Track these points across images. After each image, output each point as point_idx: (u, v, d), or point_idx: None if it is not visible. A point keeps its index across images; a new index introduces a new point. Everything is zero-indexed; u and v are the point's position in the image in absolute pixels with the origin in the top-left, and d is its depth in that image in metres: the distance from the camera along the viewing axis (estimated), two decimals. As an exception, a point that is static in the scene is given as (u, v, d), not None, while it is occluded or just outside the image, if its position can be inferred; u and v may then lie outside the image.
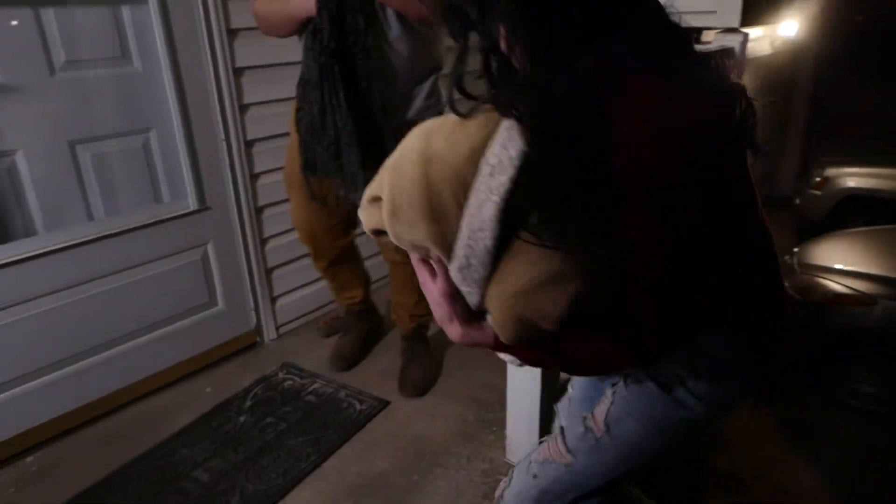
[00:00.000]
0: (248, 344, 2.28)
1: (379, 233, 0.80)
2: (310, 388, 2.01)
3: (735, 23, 1.84)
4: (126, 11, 1.81)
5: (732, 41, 1.82)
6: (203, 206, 2.02)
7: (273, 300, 2.30)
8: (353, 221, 1.90)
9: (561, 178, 0.68)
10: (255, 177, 2.13)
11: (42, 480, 1.68)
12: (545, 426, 1.60)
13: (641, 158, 0.66)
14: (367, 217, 0.81)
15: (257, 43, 1.96)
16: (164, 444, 1.79)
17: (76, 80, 1.75)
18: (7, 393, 1.71)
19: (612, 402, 0.93)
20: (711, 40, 1.88)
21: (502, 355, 0.84)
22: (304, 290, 2.41)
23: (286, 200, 2.23)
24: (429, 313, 2.01)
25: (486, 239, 0.71)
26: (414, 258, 0.80)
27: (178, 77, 1.88)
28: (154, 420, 1.90)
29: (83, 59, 1.75)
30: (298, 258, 2.34)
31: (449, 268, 0.75)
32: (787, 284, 2.00)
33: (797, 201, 3.09)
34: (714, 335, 0.86)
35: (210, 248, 2.08)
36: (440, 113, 1.70)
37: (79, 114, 1.77)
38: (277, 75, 2.06)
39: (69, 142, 1.77)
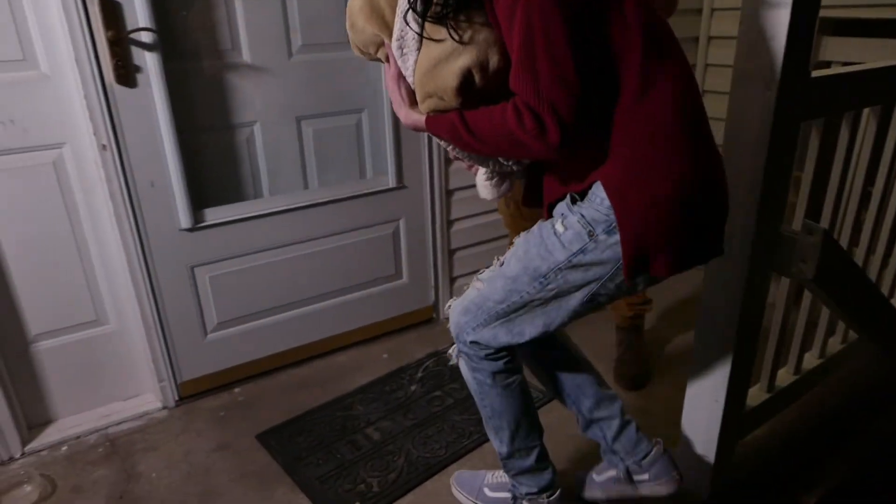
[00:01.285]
0: (425, 319, 2.40)
1: (363, 52, 1.14)
2: (477, 370, 2.06)
3: None
4: (355, 1, 1.97)
5: None
6: (400, 185, 2.16)
7: (452, 280, 2.40)
8: None
9: None
10: (448, 161, 2.23)
11: (245, 410, 1.94)
12: (724, 451, 1.48)
13: None
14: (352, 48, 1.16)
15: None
16: (343, 398, 1.96)
17: (308, 62, 1.96)
18: (225, 331, 2.00)
19: (513, 246, 1.15)
20: None
21: (480, 186, 1.17)
22: (482, 274, 2.47)
23: (474, 186, 2.31)
24: (646, 303, 1.98)
25: (411, 30, 0.99)
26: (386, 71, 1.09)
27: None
28: (337, 375, 2.10)
29: (315, 44, 1.95)
30: (479, 243, 2.40)
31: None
32: None
33: None
34: (599, 185, 0.98)
35: (402, 223, 2.22)
36: None
37: (306, 92, 1.98)
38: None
39: (296, 117, 1.99)
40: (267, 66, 1.89)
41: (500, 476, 1.48)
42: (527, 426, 1.31)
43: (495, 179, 1.17)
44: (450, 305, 1.27)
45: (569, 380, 1.37)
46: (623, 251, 0.99)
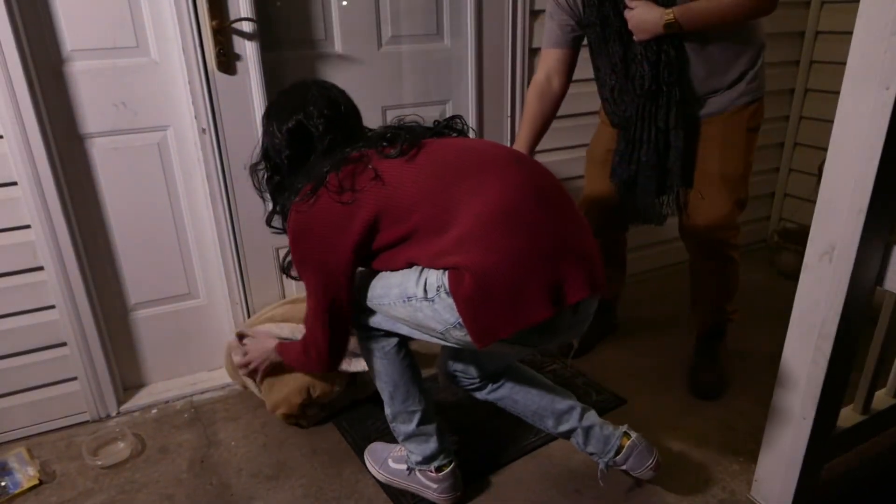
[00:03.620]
0: (497, 313, 2.39)
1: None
2: (548, 367, 2.04)
3: None
4: (447, -7, 1.99)
5: None
6: (480, 178, 2.16)
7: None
8: (625, 223, 2.00)
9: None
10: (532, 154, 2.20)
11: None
12: (808, 473, 1.40)
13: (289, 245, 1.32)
14: None
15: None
16: (413, 385, 1.99)
17: (396, 53, 1.99)
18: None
19: None
20: None
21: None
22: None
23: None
24: (733, 312, 1.96)
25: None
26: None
27: (480, 55, 2.02)
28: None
29: (404, 35, 1.98)
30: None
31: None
32: None
33: None
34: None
35: (479, 217, 2.22)
36: (757, 98, 1.68)
37: (393, 83, 2.02)
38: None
39: (382, 107, 2.03)
40: (357, 56, 1.93)
41: (405, 450, 1.55)
42: (404, 390, 1.44)
43: None
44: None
45: (526, 409, 1.51)
46: (466, 325, 1.16)
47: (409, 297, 1.24)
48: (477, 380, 1.51)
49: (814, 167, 2.65)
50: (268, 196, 1.41)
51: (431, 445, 1.48)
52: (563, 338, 1.29)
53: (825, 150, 1.16)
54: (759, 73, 1.67)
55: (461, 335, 1.20)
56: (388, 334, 1.40)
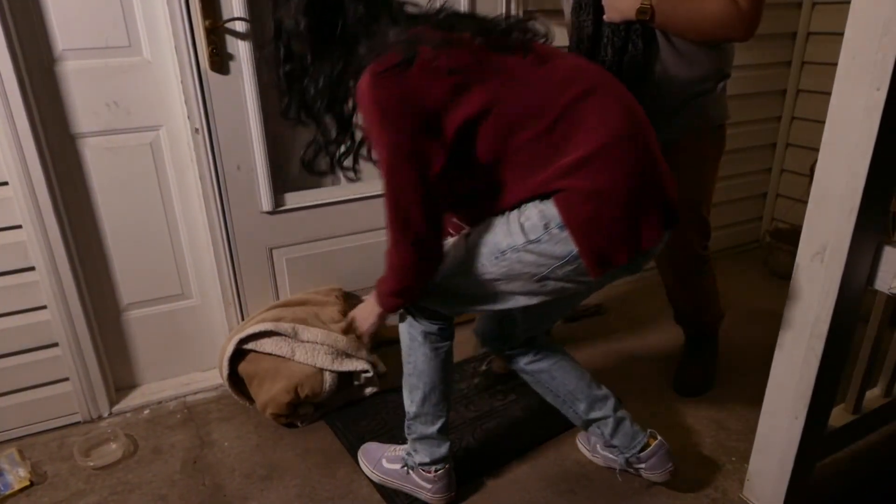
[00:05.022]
0: (491, 313, 2.40)
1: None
2: (542, 368, 2.05)
3: None
4: (439, -7, 1.99)
5: None
6: (474, 178, 2.17)
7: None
8: None
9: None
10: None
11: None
12: (800, 472, 1.40)
13: (364, 118, 1.12)
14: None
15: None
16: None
17: (390, 53, 1.99)
18: (299, 311, 2.06)
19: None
20: None
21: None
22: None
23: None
24: (716, 321, 1.95)
25: None
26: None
27: (473, 55, 2.02)
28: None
29: (398, 35, 1.98)
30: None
31: None
32: None
33: None
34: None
35: (473, 217, 2.23)
36: (719, 125, 1.63)
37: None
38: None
39: (376, 107, 2.03)
40: (351, 56, 1.93)
41: (399, 450, 1.57)
42: (439, 394, 1.42)
43: None
44: None
45: (561, 387, 1.49)
46: (579, 247, 1.11)
47: (503, 251, 1.17)
48: (518, 344, 1.47)
49: (806, 168, 2.66)
50: (283, 83, 1.20)
51: (442, 450, 1.47)
52: (637, 270, 1.24)
53: (817, 150, 1.17)
54: (721, 101, 1.61)
55: (569, 270, 1.15)
56: (443, 327, 1.35)
